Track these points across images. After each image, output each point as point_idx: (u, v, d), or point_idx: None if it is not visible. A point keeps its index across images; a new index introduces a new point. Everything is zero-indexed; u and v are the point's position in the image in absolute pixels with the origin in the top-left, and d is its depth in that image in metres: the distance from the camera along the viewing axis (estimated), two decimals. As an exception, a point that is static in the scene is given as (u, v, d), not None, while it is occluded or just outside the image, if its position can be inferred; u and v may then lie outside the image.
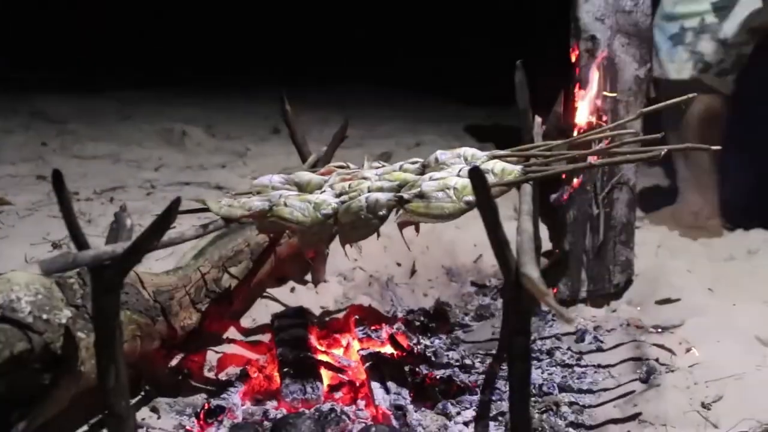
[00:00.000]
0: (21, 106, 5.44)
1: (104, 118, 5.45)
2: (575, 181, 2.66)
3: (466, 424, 1.89)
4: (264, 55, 6.42)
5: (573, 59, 2.70)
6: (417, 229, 1.89)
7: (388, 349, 2.16)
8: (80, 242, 1.37)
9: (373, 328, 2.26)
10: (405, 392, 1.97)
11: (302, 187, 2.02)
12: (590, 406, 2.05)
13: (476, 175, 1.28)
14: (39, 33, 6.17)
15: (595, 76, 2.65)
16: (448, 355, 2.24)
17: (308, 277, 2.75)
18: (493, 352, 2.31)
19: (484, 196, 1.28)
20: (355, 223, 1.80)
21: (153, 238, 1.38)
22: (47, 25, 6.15)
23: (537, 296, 1.24)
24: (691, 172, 3.55)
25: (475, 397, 2.00)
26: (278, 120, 2.69)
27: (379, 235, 1.81)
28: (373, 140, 5.19)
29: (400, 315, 2.46)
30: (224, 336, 2.34)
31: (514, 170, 1.85)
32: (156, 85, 6.23)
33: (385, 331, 2.24)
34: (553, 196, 2.73)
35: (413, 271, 2.92)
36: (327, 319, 2.45)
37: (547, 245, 2.83)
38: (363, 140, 5.07)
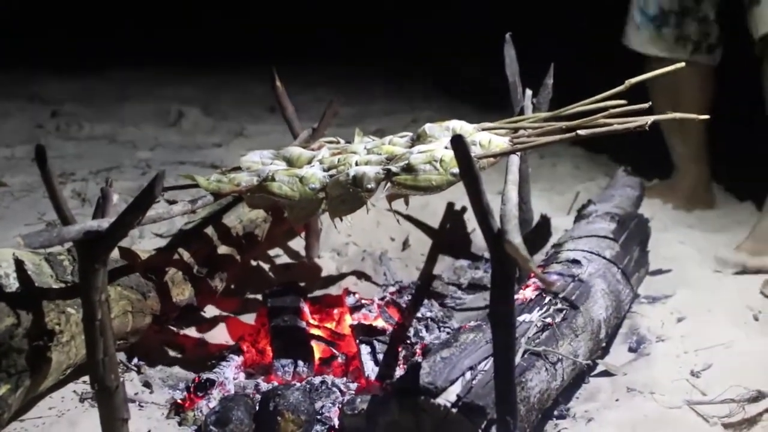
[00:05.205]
0: (17, 89, 5.41)
1: (100, 98, 5.42)
2: None
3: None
4: (261, 33, 6.40)
5: None
6: (406, 202, 1.90)
7: (379, 323, 2.17)
8: (64, 217, 1.38)
9: (365, 301, 2.27)
10: (396, 364, 1.99)
11: (292, 162, 2.01)
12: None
13: (458, 143, 1.29)
14: (35, 15, 6.14)
15: None
16: (439, 328, 2.25)
17: (302, 252, 2.76)
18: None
19: (466, 164, 1.29)
20: (343, 197, 1.80)
21: (138, 212, 1.39)
22: (43, 8, 6.12)
23: (520, 262, 1.24)
24: (686, 146, 3.54)
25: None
26: (274, 99, 2.67)
27: (368, 210, 1.82)
28: (368, 117, 5.17)
29: (392, 289, 2.47)
30: (217, 311, 2.35)
31: (501, 142, 1.85)
32: (152, 66, 6.21)
33: (376, 305, 2.25)
34: None
35: (405, 245, 2.92)
36: (320, 293, 2.46)
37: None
38: (358, 117, 5.05)
